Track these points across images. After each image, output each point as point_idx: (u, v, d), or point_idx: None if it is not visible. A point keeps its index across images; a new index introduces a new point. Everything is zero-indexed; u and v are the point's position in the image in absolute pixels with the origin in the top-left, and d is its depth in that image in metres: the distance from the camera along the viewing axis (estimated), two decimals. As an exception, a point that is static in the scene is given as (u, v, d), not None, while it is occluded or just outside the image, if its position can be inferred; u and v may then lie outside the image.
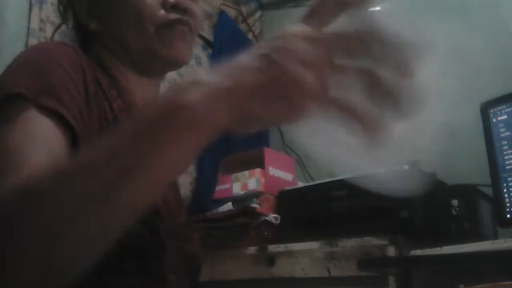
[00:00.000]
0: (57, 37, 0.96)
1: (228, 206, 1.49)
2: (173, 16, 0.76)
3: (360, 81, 0.43)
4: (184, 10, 0.77)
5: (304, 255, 1.27)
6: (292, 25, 0.44)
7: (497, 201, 1.25)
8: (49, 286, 0.45)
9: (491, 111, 1.29)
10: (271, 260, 1.33)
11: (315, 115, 0.43)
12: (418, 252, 1.06)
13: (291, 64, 0.41)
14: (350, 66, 0.43)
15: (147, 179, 0.43)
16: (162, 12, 0.76)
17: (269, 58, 0.42)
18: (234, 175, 1.56)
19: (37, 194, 0.44)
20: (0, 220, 0.45)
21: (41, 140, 0.57)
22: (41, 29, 1.50)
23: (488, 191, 1.31)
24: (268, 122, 0.46)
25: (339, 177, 1.36)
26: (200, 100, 0.42)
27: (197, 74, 0.46)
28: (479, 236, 1.23)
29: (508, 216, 1.22)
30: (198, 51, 2.07)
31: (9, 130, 0.57)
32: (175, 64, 0.79)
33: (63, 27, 0.87)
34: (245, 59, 0.44)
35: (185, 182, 1.84)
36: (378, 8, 0.43)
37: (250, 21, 2.29)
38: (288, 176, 1.62)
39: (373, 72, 0.43)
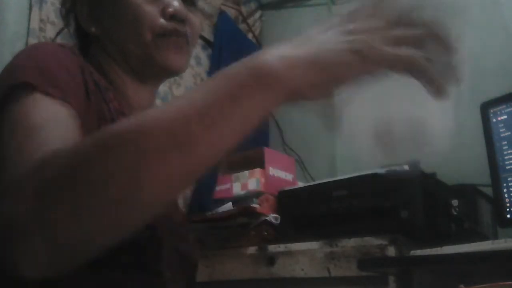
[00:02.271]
0: (59, 40, 0.96)
1: (228, 206, 1.48)
2: (171, 26, 0.77)
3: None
4: (182, 21, 0.78)
5: (304, 255, 1.27)
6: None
7: (497, 201, 1.25)
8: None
9: (491, 111, 1.28)
10: (271, 260, 1.33)
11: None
12: (418, 252, 1.05)
13: (382, 45, 0.47)
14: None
15: (224, 130, 0.47)
16: (161, 21, 0.77)
17: (358, 40, 0.47)
18: (234, 175, 1.56)
19: (120, 139, 0.46)
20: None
21: (59, 120, 0.58)
22: (41, 29, 1.50)
23: (488, 191, 1.31)
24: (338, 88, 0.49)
25: (339, 177, 1.36)
26: (281, 66, 0.47)
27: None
28: (479, 236, 1.24)
29: (508, 216, 1.22)
30: (198, 51, 2.07)
31: (23, 112, 0.57)
32: (171, 72, 0.81)
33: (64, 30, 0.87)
34: (326, 36, 0.48)
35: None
36: None
37: (250, 21, 2.29)
38: (288, 176, 1.62)
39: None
